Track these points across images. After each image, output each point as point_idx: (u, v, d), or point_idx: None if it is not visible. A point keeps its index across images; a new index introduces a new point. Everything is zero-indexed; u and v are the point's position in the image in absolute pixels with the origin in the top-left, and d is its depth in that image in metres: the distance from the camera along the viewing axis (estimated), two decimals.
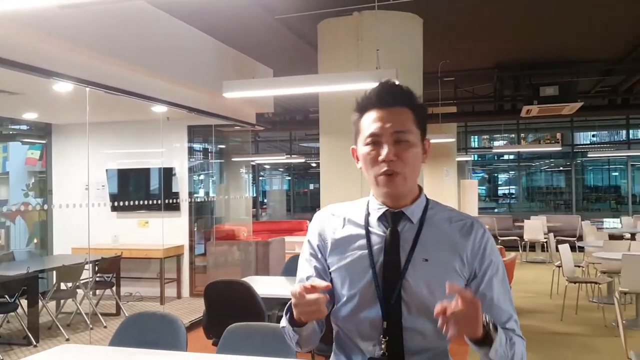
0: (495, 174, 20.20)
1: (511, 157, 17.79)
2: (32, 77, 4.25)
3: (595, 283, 6.05)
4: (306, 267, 1.52)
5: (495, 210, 17.96)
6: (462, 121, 12.58)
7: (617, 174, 16.65)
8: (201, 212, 9.25)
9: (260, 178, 19.97)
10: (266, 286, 4.77)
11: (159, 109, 6.47)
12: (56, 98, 5.92)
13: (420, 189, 1.50)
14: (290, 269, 5.14)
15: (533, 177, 19.46)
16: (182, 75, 5.56)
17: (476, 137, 18.75)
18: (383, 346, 1.38)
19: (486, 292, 1.41)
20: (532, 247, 12.04)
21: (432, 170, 11.49)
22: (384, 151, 1.38)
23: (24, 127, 9.03)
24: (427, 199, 1.50)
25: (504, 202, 18.97)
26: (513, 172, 18.77)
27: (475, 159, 19.60)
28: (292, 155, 15.83)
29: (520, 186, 18.19)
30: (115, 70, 4.87)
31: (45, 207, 8.35)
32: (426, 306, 1.35)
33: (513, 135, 16.91)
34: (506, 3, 5.73)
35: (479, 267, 1.41)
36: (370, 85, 4.68)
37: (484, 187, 20.13)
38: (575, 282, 6.90)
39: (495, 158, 19.38)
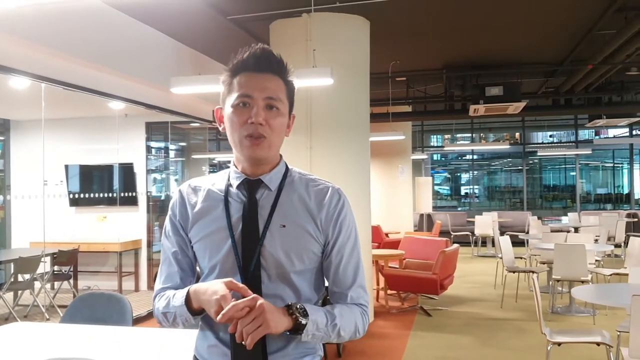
0: (458, 174, 20.74)
1: (475, 156, 18.31)
2: None
3: (532, 272, 6.45)
4: (167, 244, 1.52)
5: (459, 209, 18.43)
6: (414, 120, 12.97)
7: (574, 173, 17.28)
8: (161, 209, 9.41)
9: None
10: None
11: (116, 105, 6.64)
12: (13, 94, 6.04)
13: (280, 157, 1.51)
14: None
15: (493, 176, 20.07)
16: (138, 72, 5.75)
17: (439, 136, 19.23)
18: None
19: (335, 256, 1.46)
20: (485, 242, 12.51)
21: (386, 167, 11.83)
22: (254, 113, 1.37)
23: None
24: (287, 167, 1.51)
25: (466, 200, 19.49)
26: (476, 172, 19.30)
27: (438, 158, 20.08)
28: None
29: (482, 185, 18.75)
30: (71, 66, 5.04)
31: (2, 202, 8.40)
32: (284, 271, 1.40)
33: (468, 135, 17.48)
34: (450, 5, 6.07)
35: (331, 233, 1.45)
36: (308, 82, 4.96)
37: (447, 187, 20.65)
38: (514, 272, 7.32)
39: (459, 158, 19.90)
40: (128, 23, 5.54)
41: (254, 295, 1.29)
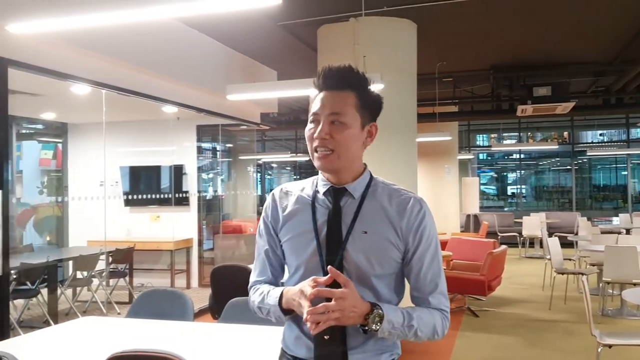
0: (504, 174, 20.45)
1: (522, 156, 18.04)
2: (52, 80, 4.67)
3: (582, 274, 6.37)
4: (260, 242, 1.68)
5: (505, 209, 18.18)
6: (461, 120, 12.90)
7: (625, 173, 16.81)
8: (210, 208, 9.68)
9: (268, 177, 20.39)
10: None
11: (170, 109, 6.89)
12: (74, 99, 6.35)
13: (365, 167, 1.62)
14: None
15: (541, 176, 19.71)
16: (191, 78, 5.98)
17: (485, 136, 19.01)
18: None
19: (415, 264, 1.54)
20: (532, 243, 12.35)
21: (433, 168, 11.80)
22: (319, 129, 1.51)
23: (40, 127, 9.48)
24: (372, 177, 1.61)
25: (513, 201, 19.19)
26: (523, 172, 18.99)
27: (484, 157, 19.83)
28: (298, 154, 16.24)
29: (529, 185, 18.43)
30: (129, 73, 5.29)
31: (61, 202, 8.79)
32: (364, 275, 1.50)
33: (515, 134, 17.24)
34: (497, 6, 6.07)
35: (412, 241, 1.53)
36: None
37: (493, 187, 20.39)
38: (563, 274, 7.25)
39: (506, 158, 19.63)
40: (182, 31, 5.76)
41: (348, 279, 1.43)
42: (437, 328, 1.53)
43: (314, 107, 1.54)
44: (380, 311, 1.43)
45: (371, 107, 1.57)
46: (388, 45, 6.11)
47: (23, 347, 2.74)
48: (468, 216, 13.84)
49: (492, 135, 18.56)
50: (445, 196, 11.89)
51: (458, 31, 6.96)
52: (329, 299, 1.41)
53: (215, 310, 4.56)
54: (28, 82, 5.30)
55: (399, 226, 1.52)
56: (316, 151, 1.52)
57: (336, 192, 1.56)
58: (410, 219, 1.53)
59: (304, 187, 1.64)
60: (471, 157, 16.33)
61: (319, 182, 1.61)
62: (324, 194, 1.58)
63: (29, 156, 9.77)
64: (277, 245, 1.65)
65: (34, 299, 6.24)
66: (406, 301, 1.61)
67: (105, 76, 5.07)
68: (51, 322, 6.13)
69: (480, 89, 10.01)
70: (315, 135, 1.51)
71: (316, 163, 1.54)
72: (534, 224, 11.83)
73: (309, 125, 1.55)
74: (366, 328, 1.44)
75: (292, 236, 1.59)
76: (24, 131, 9.42)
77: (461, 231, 12.90)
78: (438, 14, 6.03)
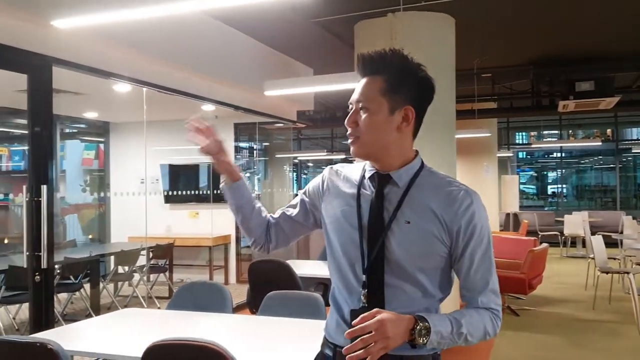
0: (544, 172, 20.04)
1: (563, 154, 17.63)
2: (95, 78, 4.77)
3: (626, 273, 6.21)
4: (298, 198, 1.74)
5: (545, 208, 17.81)
6: (500, 117, 12.67)
7: None
8: None
9: (304, 175, 20.45)
10: (305, 268, 5.17)
11: (208, 107, 6.97)
12: (115, 98, 6.49)
13: (416, 154, 1.57)
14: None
15: (583, 174, 19.23)
16: (229, 76, 6.03)
17: (524, 134, 18.66)
18: (363, 298, 1.47)
19: (465, 261, 1.47)
20: (574, 243, 12.07)
21: (471, 165, 11.63)
22: (348, 118, 1.53)
23: (83, 126, 9.72)
24: (423, 166, 1.55)
25: (553, 200, 18.78)
26: (564, 170, 18.57)
27: (523, 156, 19.45)
28: (333, 152, 16.22)
29: (570, 184, 17.99)
30: (168, 71, 5.37)
31: (104, 200, 9.00)
32: (406, 266, 1.45)
33: (556, 132, 16.87)
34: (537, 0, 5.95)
35: (462, 236, 1.45)
36: None
37: (532, 186, 19.99)
38: (607, 273, 7.04)
39: (546, 156, 19.23)
40: (220, 29, 5.81)
41: (376, 309, 1.35)
42: (487, 329, 1.47)
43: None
44: (426, 323, 1.36)
45: (407, 90, 1.51)
46: (426, 40, 6.04)
47: (66, 336, 2.80)
48: (507, 215, 13.60)
49: (532, 133, 18.18)
50: (484, 194, 11.39)
51: (497, 25, 6.85)
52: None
53: (253, 305, 4.59)
54: (71, 81, 5.43)
55: (444, 219, 1.45)
56: (349, 138, 1.54)
57: (380, 179, 1.53)
58: (459, 213, 1.45)
59: (354, 171, 1.63)
60: (510, 155, 16.05)
61: (367, 167, 1.59)
62: (370, 179, 1.56)
63: (72, 156, 10.04)
64: (312, 205, 1.69)
65: (77, 293, 6.40)
66: (446, 306, 1.57)
67: (146, 74, 5.16)
68: (93, 315, 6.26)
69: (519, 84, 9.82)
70: (346, 123, 1.53)
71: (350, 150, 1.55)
72: (576, 222, 11.55)
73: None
74: (414, 343, 1.37)
75: (336, 218, 1.57)
76: (67, 130, 9.67)
77: (500, 230, 12.70)
78: (477, 7, 5.93)
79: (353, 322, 1.33)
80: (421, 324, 1.35)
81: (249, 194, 1.72)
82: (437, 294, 1.50)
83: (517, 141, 18.49)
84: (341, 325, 1.53)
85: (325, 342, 1.61)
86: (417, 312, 1.39)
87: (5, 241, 8.04)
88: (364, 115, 1.49)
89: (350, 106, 1.54)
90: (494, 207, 12.11)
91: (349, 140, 1.53)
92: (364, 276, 1.47)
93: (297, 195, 1.79)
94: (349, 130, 1.52)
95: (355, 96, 1.53)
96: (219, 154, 1.66)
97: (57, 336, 2.70)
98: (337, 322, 1.55)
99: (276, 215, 1.77)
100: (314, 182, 1.71)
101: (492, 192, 12.02)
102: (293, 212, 1.74)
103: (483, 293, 1.49)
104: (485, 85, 9.44)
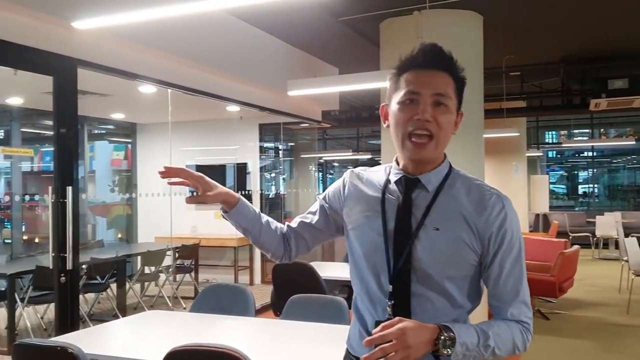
0: (575, 172, 19.65)
1: (594, 153, 17.26)
2: (120, 79, 4.79)
3: None
4: (317, 204, 1.64)
5: (576, 209, 17.45)
6: (529, 116, 12.44)
7: None
8: (272, 206, 9.76)
9: (330, 175, 20.41)
10: (329, 270, 5.12)
11: (233, 108, 6.97)
12: (141, 99, 6.52)
13: (444, 156, 1.47)
14: None
15: (615, 174, 18.81)
16: (253, 76, 6.01)
17: (554, 133, 18.32)
18: (389, 309, 1.38)
19: (495, 269, 1.38)
20: (606, 244, 11.79)
21: (500, 165, 11.45)
22: (421, 109, 1.35)
23: (111, 127, 9.83)
24: (451, 169, 1.47)
25: (584, 200, 18.39)
26: (595, 170, 18.17)
27: (553, 155, 19.11)
28: (359, 152, 16.13)
29: (602, 184, 17.60)
30: (192, 72, 5.37)
31: (130, 200, 9.08)
32: (434, 275, 1.36)
33: (587, 130, 16.51)
34: None
35: (492, 244, 1.37)
36: None
37: (562, 186, 19.62)
38: None
39: (576, 155, 18.86)
40: (244, 29, 5.79)
41: (398, 318, 1.27)
42: (517, 343, 1.38)
43: (409, 85, 1.38)
44: (451, 333, 1.27)
45: (462, 92, 1.45)
46: (453, 38, 5.93)
47: (88, 339, 2.79)
48: (537, 215, 13.36)
49: (562, 132, 17.84)
50: (512, 195, 11.25)
51: (526, 22, 6.69)
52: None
53: (277, 306, 4.55)
54: (98, 83, 5.47)
55: (475, 225, 1.36)
56: (411, 137, 1.37)
57: (408, 183, 1.43)
58: (490, 219, 1.36)
59: (377, 174, 1.53)
60: (540, 154, 15.77)
61: (392, 170, 1.48)
62: (396, 183, 1.45)
63: (101, 156, 10.18)
64: (331, 211, 1.60)
65: (104, 293, 6.44)
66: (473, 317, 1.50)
67: (171, 75, 5.16)
68: (119, 315, 6.30)
69: (549, 83, 9.61)
70: (419, 116, 1.35)
71: (407, 154, 1.39)
72: (608, 223, 11.28)
73: (400, 107, 1.38)
74: (437, 354, 1.29)
75: (358, 224, 1.48)
76: (95, 131, 9.79)
77: (530, 231, 12.48)
78: (505, 4, 5.81)
79: (373, 330, 1.26)
80: (446, 334, 1.27)
81: (252, 213, 1.60)
82: (466, 304, 1.42)
83: (546, 140, 18.16)
84: (364, 337, 1.42)
85: (348, 355, 1.54)
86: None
87: (36, 240, 8.18)
88: (444, 112, 1.37)
89: (414, 97, 1.37)
90: (523, 208, 11.90)
91: (415, 139, 1.36)
92: (390, 286, 1.39)
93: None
94: (415, 126, 1.35)
95: (429, 88, 1.36)
96: (206, 191, 1.56)
97: (80, 339, 2.69)
98: (360, 333, 1.48)
99: (294, 224, 1.67)
100: (334, 187, 1.61)
101: (521, 192, 11.81)
102: (313, 218, 1.64)
103: (513, 304, 1.40)
104: (514, 84, 9.27)
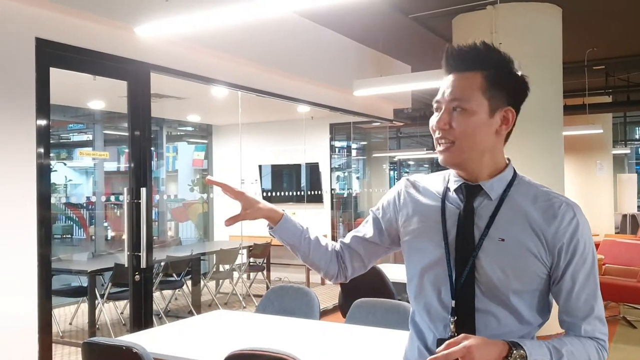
0: None
1: None
2: (194, 83, 4.92)
3: None
4: (370, 217, 1.57)
5: None
6: (614, 111, 11.77)
7: None
8: (344, 206, 9.75)
9: (405, 174, 20.19)
10: (398, 272, 5.03)
11: (303, 108, 7.01)
12: (214, 102, 6.67)
13: (508, 162, 1.39)
14: None
15: None
16: (323, 76, 6.01)
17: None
18: (452, 327, 1.31)
19: (566, 283, 1.30)
20: None
21: (582, 163, 10.94)
22: (440, 117, 1.33)
23: (190, 129, 10.16)
24: (515, 175, 1.38)
25: None
26: None
27: None
28: (434, 150, 15.82)
29: None
30: (263, 74, 5.43)
31: (207, 199, 9.34)
32: (499, 289, 1.29)
33: None
34: None
35: (563, 255, 1.28)
36: None
37: None
38: None
39: None
40: (312, 29, 5.80)
41: (464, 335, 1.21)
42: (592, 356, 1.29)
43: (438, 93, 1.35)
44: (522, 351, 1.19)
45: (508, 88, 1.32)
46: (529, 32, 5.70)
47: (154, 339, 2.87)
48: (624, 216, 12.63)
49: None
50: (597, 194, 10.95)
51: (610, 12, 6.32)
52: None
53: (344, 308, 4.52)
54: (173, 86, 5.65)
55: (544, 235, 1.28)
56: (438, 144, 1.34)
57: (469, 190, 1.35)
58: (560, 229, 1.27)
59: (435, 182, 1.45)
60: (628, 151, 14.91)
61: (451, 178, 1.41)
62: (455, 191, 1.38)
63: (184, 157, 10.56)
64: (386, 222, 1.51)
65: (180, 290, 6.65)
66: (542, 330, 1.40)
67: (241, 78, 5.25)
68: (194, 312, 6.49)
69: (637, 76, 9.06)
70: (432, 125, 1.33)
71: (439, 157, 1.35)
72: None
73: (433, 115, 1.36)
74: None
75: (416, 235, 1.41)
76: (175, 133, 10.14)
77: (616, 232, 11.82)
78: None
79: (437, 349, 1.19)
80: (516, 352, 1.19)
81: (298, 229, 1.54)
82: (534, 320, 1.33)
83: (635, 137, 17.13)
84: (424, 354, 1.37)
85: None
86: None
87: (122, 237, 8.55)
88: (460, 117, 1.30)
89: (437, 106, 1.34)
90: (609, 208, 11.30)
91: (439, 147, 1.33)
92: (453, 301, 1.32)
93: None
94: (438, 134, 1.32)
95: (446, 95, 1.32)
96: (245, 209, 1.51)
97: (148, 337, 2.77)
98: (420, 351, 1.39)
99: (347, 240, 1.58)
100: (388, 197, 1.53)
101: (606, 192, 11.22)
102: (366, 232, 1.55)
103: (587, 320, 1.30)
104: (597, 78, 8.79)
